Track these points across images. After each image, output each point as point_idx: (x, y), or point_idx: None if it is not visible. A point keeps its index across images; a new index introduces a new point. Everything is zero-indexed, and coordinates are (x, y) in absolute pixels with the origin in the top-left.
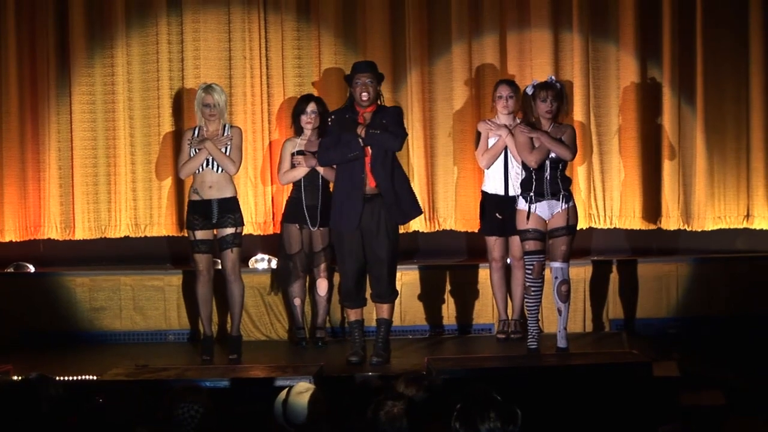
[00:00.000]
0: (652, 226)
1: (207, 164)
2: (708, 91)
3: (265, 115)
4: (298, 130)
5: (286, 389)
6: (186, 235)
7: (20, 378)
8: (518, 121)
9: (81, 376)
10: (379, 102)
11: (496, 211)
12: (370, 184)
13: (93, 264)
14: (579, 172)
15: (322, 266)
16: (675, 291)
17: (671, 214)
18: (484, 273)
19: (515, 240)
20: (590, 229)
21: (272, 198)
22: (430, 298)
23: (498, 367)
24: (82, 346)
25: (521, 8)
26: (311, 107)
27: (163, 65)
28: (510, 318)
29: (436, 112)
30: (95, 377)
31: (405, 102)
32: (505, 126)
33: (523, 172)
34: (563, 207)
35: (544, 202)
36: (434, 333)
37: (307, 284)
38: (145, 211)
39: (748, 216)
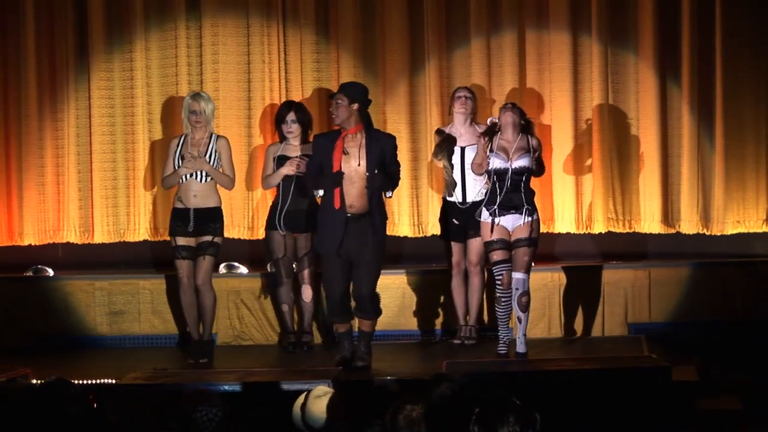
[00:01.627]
0: (670, 230)
1: (192, 174)
2: (727, 95)
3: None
4: (281, 136)
5: (305, 393)
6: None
7: (40, 382)
8: (476, 126)
9: (100, 379)
10: (367, 124)
11: (454, 217)
12: (354, 208)
13: (112, 268)
14: (597, 177)
15: (306, 272)
16: (693, 295)
17: (690, 219)
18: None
19: (473, 246)
20: (609, 233)
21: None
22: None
23: (517, 371)
24: (101, 349)
25: (540, 10)
26: (290, 116)
27: (182, 69)
28: (468, 324)
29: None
30: (114, 381)
31: (422, 104)
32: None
33: (488, 185)
34: (526, 220)
35: (508, 216)
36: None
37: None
38: (164, 215)
39: (767, 220)
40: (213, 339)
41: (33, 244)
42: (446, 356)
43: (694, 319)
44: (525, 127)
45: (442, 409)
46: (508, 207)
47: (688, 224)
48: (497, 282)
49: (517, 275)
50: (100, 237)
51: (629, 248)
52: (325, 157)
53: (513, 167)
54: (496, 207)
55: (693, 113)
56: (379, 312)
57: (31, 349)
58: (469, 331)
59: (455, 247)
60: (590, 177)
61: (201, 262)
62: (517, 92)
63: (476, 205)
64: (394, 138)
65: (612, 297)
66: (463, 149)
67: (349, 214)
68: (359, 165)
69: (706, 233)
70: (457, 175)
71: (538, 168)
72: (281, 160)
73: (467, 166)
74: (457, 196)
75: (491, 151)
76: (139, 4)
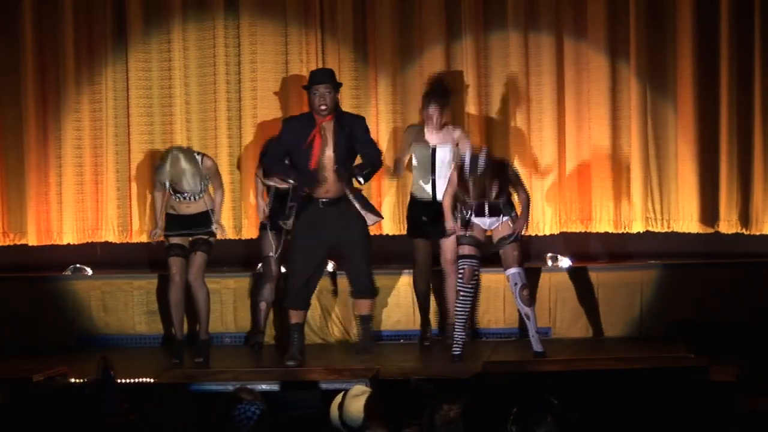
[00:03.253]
0: (709, 230)
1: (183, 197)
2: (766, 96)
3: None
4: None
5: (342, 393)
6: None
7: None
8: (449, 127)
9: (138, 378)
10: (337, 109)
11: (423, 215)
12: (329, 192)
13: (150, 267)
14: (635, 176)
15: None
16: (731, 295)
17: (729, 218)
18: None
19: (447, 243)
20: (647, 232)
21: None
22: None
23: (555, 371)
24: (139, 348)
25: (577, 19)
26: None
27: (220, 69)
28: (446, 323)
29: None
30: (152, 380)
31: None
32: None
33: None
34: (504, 219)
35: (485, 219)
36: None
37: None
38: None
39: None
40: (210, 338)
41: (72, 243)
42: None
43: (732, 319)
44: (500, 169)
45: (480, 409)
46: (484, 215)
47: (727, 224)
48: (459, 274)
49: (512, 270)
50: (138, 236)
51: (667, 248)
52: (295, 142)
53: (491, 202)
54: (471, 211)
55: (732, 112)
56: (376, 291)
57: (69, 348)
58: (449, 330)
59: (421, 243)
60: (628, 176)
61: (193, 258)
62: (555, 91)
63: None
64: (362, 119)
65: (649, 297)
66: (434, 149)
67: (324, 200)
68: (332, 152)
69: (745, 233)
70: (427, 173)
71: (521, 193)
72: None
73: (438, 164)
74: (426, 194)
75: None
76: (178, 2)
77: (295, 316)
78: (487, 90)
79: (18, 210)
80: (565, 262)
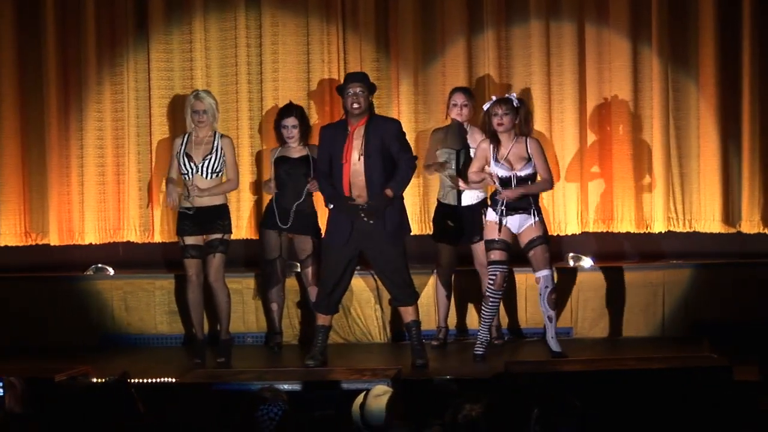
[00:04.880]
0: (731, 230)
1: (197, 171)
2: None
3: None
4: (280, 139)
5: (364, 392)
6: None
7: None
8: (474, 130)
9: (160, 378)
10: (371, 113)
11: (448, 220)
12: (360, 199)
13: (172, 267)
14: (657, 176)
15: (310, 274)
16: (754, 294)
17: (751, 218)
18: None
19: (480, 248)
20: (669, 232)
21: None
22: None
23: (577, 371)
24: (161, 348)
25: (600, 6)
26: (291, 121)
27: (242, 68)
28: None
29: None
30: (174, 379)
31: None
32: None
33: (499, 187)
34: (535, 220)
35: (516, 216)
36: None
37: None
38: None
39: None
40: (232, 338)
41: (94, 243)
42: (489, 357)
43: (755, 319)
44: (517, 127)
45: (502, 408)
46: (515, 208)
47: (749, 224)
48: (489, 280)
49: (543, 273)
50: (159, 236)
51: (689, 248)
52: (334, 149)
53: (518, 175)
54: (503, 207)
55: (753, 111)
56: (417, 294)
57: (92, 348)
58: (494, 331)
59: (445, 248)
60: (650, 176)
61: (211, 260)
62: (576, 91)
63: (471, 208)
64: (395, 123)
65: (672, 296)
66: (458, 152)
67: (360, 206)
68: (364, 160)
69: (767, 233)
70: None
71: (544, 173)
72: (279, 162)
73: (462, 170)
74: (452, 199)
75: (495, 160)
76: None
77: (321, 319)
78: (509, 90)
79: (40, 210)
80: (587, 261)
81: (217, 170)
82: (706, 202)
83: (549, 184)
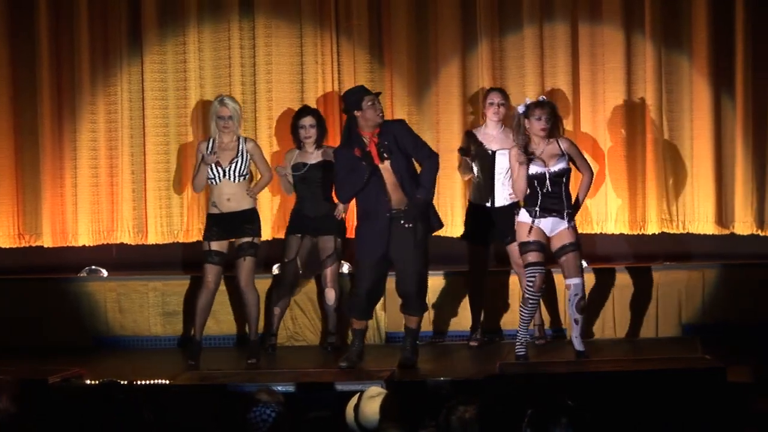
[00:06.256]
0: (725, 231)
1: (225, 175)
2: None
3: (336, 126)
4: (297, 142)
5: (358, 394)
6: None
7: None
8: (508, 133)
9: (153, 380)
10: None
11: (482, 221)
12: (393, 202)
13: (166, 268)
14: (651, 177)
15: (329, 273)
16: (747, 296)
17: (744, 219)
18: (513, 280)
19: (515, 250)
20: (662, 233)
21: None
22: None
23: (570, 372)
24: (155, 350)
25: (593, 6)
26: (309, 121)
27: (235, 70)
28: (534, 324)
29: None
30: (168, 381)
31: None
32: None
33: (528, 189)
34: (567, 225)
35: (549, 219)
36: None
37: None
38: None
39: None
40: (259, 338)
41: (87, 244)
42: (492, 357)
43: (748, 320)
44: (552, 129)
45: (495, 410)
46: (549, 210)
47: (743, 225)
48: (528, 283)
49: (575, 281)
50: (153, 238)
51: (683, 249)
52: (355, 162)
53: (551, 171)
54: (536, 209)
55: (747, 113)
56: (424, 308)
57: (85, 350)
58: (537, 330)
59: (478, 249)
60: (644, 178)
61: (242, 263)
62: (570, 93)
63: (505, 209)
64: (401, 121)
65: (666, 298)
66: (494, 153)
67: (392, 212)
68: (383, 162)
69: (761, 234)
70: (487, 178)
71: (585, 169)
72: (297, 168)
73: (497, 170)
74: (485, 200)
75: (530, 159)
76: (193, 3)
77: (357, 324)
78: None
79: (33, 211)
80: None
81: (244, 173)
82: (699, 204)
83: (592, 176)
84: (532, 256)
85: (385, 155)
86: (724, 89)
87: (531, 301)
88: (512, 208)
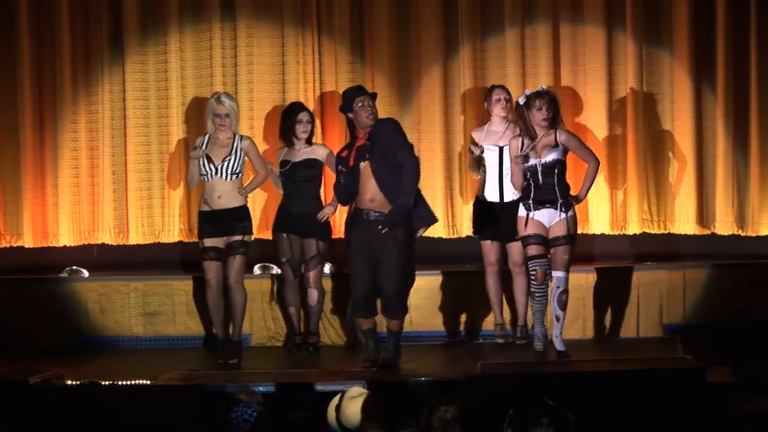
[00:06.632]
0: (705, 231)
1: (217, 172)
2: (762, 94)
3: (318, 126)
4: (288, 140)
5: (340, 394)
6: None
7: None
8: (514, 128)
9: (134, 380)
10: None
11: (492, 217)
12: (374, 205)
13: (147, 269)
14: (632, 178)
15: (312, 275)
16: (728, 296)
17: (725, 219)
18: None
19: (515, 246)
20: (643, 234)
21: None
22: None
23: (551, 372)
24: (136, 350)
25: (575, 5)
26: (306, 116)
27: (217, 70)
28: (517, 324)
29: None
30: (148, 381)
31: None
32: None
33: (525, 182)
34: (562, 216)
35: (543, 210)
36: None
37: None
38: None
39: None
40: (242, 339)
41: (68, 245)
42: (481, 357)
43: (729, 321)
44: (552, 121)
45: (476, 410)
46: (542, 201)
47: (724, 225)
48: (531, 276)
49: (558, 274)
50: (134, 238)
51: (664, 249)
52: (345, 162)
53: (542, 162)
54: (530, 201)
55: (728, 113)
56: (404, 311)
57: (66, 350)
58: (520, 331)
59: (490, 245)
60: (625, 177)
61: (232, 261)
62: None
63: (514, 204)
64: (390, 119)
65: (647, 298)
66: (501, 149)
67: (373, 213)
68: (368, 166)
69: (741, 234)
70: (495, 174)
71: (590, 158)
72: (282, 166)
73: (505, 165)
74: (494, 196)
75: (524, 157)
76: (174, 4)
77: (364, 323)
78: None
79: (14, 212)
80: None
81: (237, 171)
82: (680, 204)
83: (597, 164)
84: (532, 250)
85: (366, 156)
86: (706, 85)
87: (537, 294)
88: (518, 204)
